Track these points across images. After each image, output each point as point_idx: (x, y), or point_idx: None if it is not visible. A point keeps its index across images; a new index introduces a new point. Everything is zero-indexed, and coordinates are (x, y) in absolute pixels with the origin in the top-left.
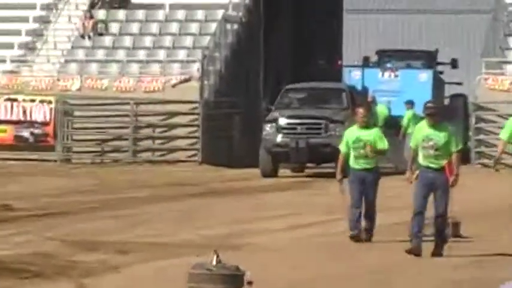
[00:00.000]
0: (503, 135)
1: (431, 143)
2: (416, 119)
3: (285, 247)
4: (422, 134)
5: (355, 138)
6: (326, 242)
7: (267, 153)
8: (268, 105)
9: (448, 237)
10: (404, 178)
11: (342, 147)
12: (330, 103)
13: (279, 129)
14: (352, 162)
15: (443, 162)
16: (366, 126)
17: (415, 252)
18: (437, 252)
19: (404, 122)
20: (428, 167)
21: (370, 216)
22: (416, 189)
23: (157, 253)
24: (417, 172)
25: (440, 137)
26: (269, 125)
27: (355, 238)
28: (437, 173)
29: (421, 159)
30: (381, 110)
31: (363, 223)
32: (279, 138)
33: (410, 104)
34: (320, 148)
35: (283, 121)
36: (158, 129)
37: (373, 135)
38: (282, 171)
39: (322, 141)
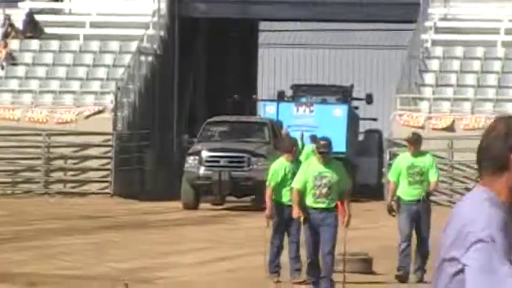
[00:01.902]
0: (392, 176)
1: (324, 180)
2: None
3: (199, 281)
4: (313, 171)
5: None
6: (241, 276)
7: (190, 186)
8: (189, 138)
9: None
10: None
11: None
12: (253, 137)
13: (202, 161)
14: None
15: (335, 201)
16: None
17: None
18: None
19: (303, 157)
20: (317, 208)
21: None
22: (307, 234)
23: (67, 285)
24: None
25: (333, 174)
26: (192, 158)
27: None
28: (328, 213)
29: (310, 200)
30: None
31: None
32: (202, 170)
33: (313, 138)
34: (242, 181)
35: (205, 154)
36: (70, 161)
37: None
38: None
39: (245, 174)
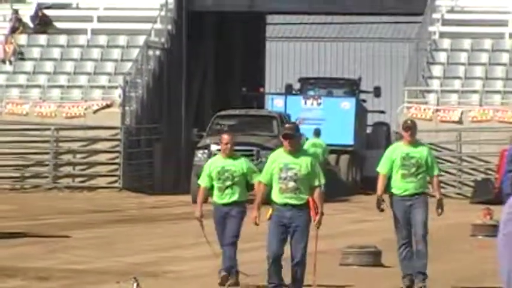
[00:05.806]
0: (383, 168)
1: (290, 173)
2: (316, 147)
3: (207, 275)
4: (279, 163)
5: (220, 169)
6: (247, 270)
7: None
8: (198, 132)
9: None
10: (251, 217)
11: (204, 181)
12: (261, 130)
13: (211, 155)
14: (218, 197)
15: (305, 197)
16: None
17: None
18: None
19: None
20: (285, 204)
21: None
22: (271, 232)
23: (77, 280)
24: (270, 211)
25: (302, 166)
26: (201, 151)
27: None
28: (296, 211)
29: (276, 195)
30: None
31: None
32: None
33: (316, 133)
34: None
35: (214, 147)
36: (79, 155)
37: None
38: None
39: None
